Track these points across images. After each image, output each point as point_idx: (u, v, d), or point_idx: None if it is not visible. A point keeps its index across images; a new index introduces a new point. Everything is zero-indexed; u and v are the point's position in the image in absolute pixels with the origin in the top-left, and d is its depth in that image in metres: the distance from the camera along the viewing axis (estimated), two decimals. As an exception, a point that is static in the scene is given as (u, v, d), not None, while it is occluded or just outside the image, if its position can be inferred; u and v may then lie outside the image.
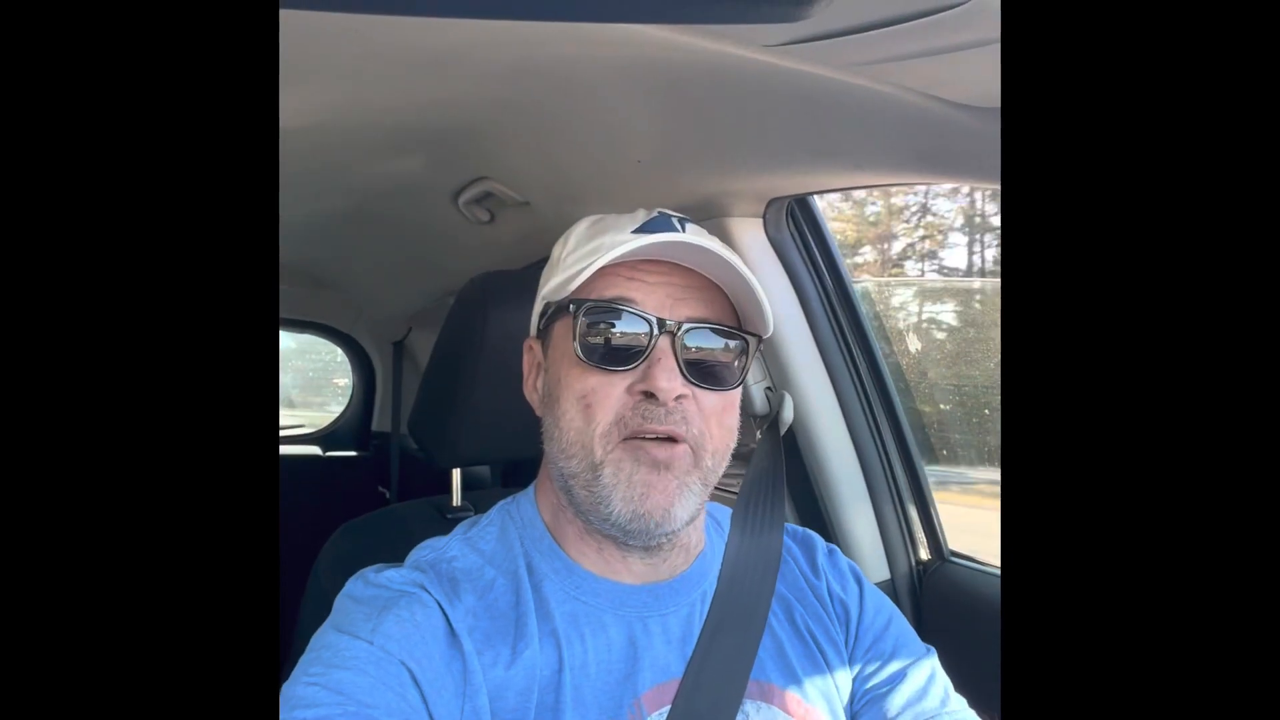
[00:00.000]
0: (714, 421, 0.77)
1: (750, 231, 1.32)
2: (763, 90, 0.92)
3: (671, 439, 0.75)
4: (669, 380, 0.73)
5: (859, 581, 0.91)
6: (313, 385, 3.95)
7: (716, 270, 0.77)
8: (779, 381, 1.37)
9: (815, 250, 1.38)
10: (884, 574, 1.39)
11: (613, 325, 0.75)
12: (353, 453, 3.24)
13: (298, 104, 1.15)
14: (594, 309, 0.75)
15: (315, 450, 3.20)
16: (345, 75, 1.07)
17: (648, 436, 0.74)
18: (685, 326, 0.75)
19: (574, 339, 0.75)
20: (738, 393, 0.81)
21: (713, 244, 0.74)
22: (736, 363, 0.79)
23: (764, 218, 1.32)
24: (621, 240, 0.76)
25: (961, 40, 0.68)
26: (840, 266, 1.39)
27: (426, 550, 0.80)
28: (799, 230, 1.37)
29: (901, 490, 1.40)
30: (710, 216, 1.30)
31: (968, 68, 0.73)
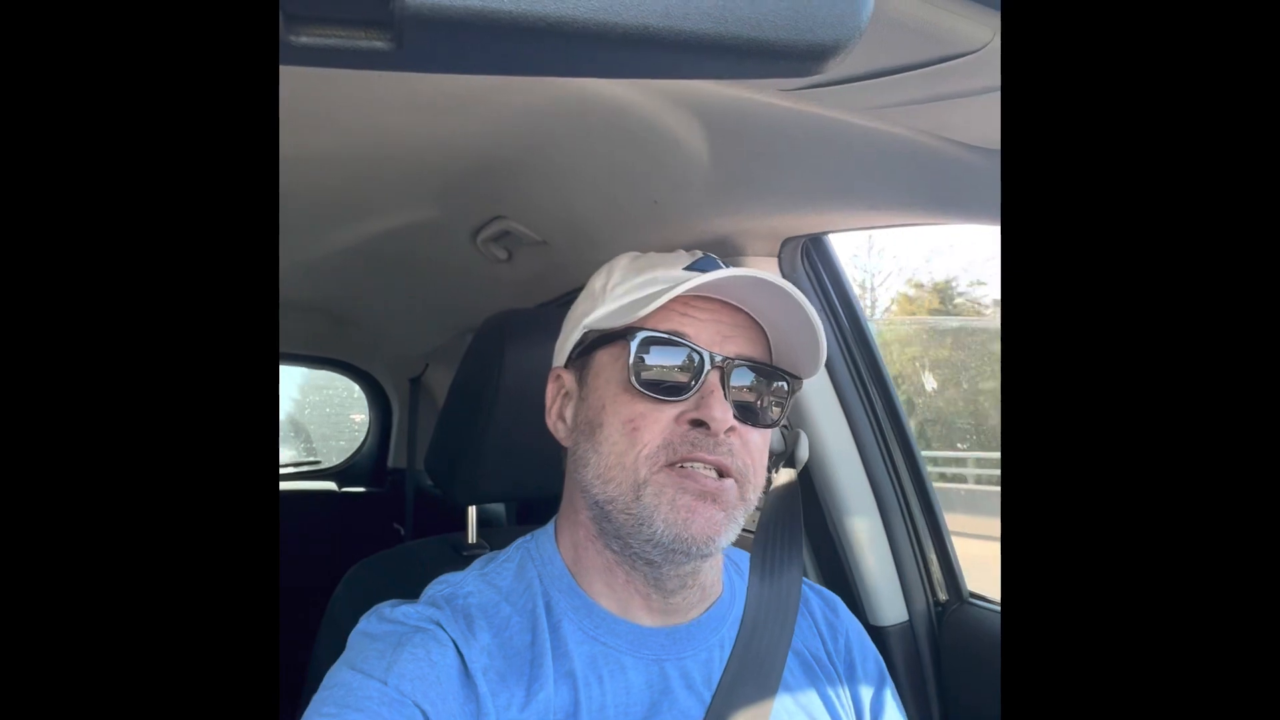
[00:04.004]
0: (756, 457, 0.79)
1: (765, 270, 1.33)
2: (778, 132, 0.93)
3: (720, 472, 0.76)
4: (723, 411, 0.74)
5: (882, 681, 0.91)
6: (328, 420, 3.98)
7: (766, 310, 0.79)
8: (794, 420, 1.37)
9: (830, 289, 1.39)
10: (902, 615, 1.38)
11: (669, 355, 0.77)
12: (369, 489, 3.24)
13: (318, 144, 1.18)
14: (651, 339, 0.77)
15: (331, 486, 3.21)
16: (365, 116, 1.09)
17: (695, 467, 0.75)
18: (735, 363, 0.77)
19: (628, 366, 0.77)
20: (773, 432, 0.83)
21: (780, 280, 0.76)
22: (775, 402, 0.80)
23: (779, 257, 1.33)
24: (678, 276, 0.79)
25: (972, 86, 0.69)
26: (856, 305, 1.40)
27: (442, 585, 0.80)
28: (814, 270, 1.37)
29: (919, 530, 1.39)
30: (725, 256, 1.31)
31: (979, 112, 0.74)
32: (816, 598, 0.95)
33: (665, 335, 0.77)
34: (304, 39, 0.28)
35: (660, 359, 0.77)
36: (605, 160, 1.16)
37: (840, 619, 0.93)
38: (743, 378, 0.78)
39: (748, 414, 0.78)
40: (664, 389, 0.76)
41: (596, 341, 0.82)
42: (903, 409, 1.41)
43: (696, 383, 0.76)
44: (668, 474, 0.75)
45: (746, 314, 0.81)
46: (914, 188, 0.97)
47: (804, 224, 1.23)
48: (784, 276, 1.34)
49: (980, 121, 0.77)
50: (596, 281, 0.87)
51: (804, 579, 0.91)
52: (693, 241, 1.28)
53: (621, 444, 0.76)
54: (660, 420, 0.76)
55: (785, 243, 1.31)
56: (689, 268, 0.82)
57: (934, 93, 0.72)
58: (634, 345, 0.77)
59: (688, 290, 0.75)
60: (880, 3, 0.57)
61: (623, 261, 0.87)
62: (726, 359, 0.77)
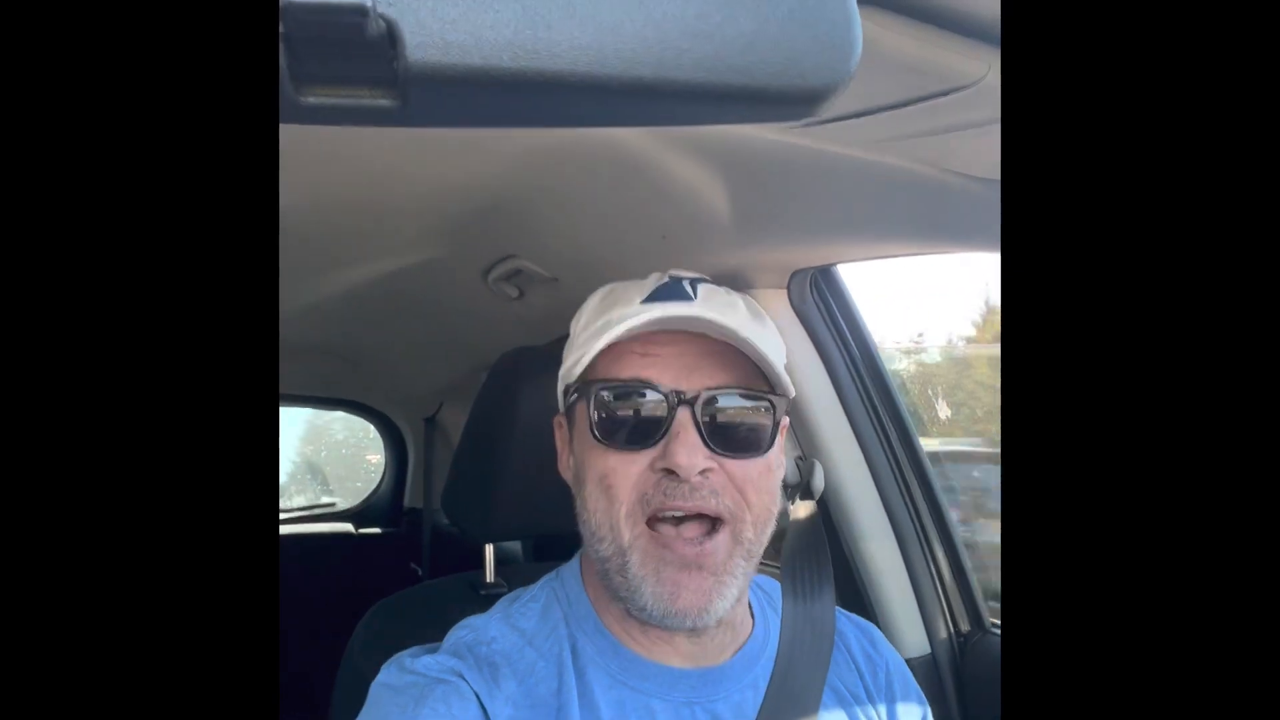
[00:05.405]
0: (750, 489, 0.73)
1: (775, 303, 1.34)
2: (783, 167, 0.94)
3: (707, 522, 0.72)
4: (689, 456, 0.70)
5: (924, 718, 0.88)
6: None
7: (731, 337, 0.73)
8: (808, 451, 1.36)
9: (840, 320, 1.39)
10: (924, 647, 1.36)
11: (628, 404, 0.73)
12: (385, 530, 3.24)
13: (329, 185, 1.20)
14: (605, 389, 0.73)
15: (347, 527, 3.21)
16: (375, 159, 1.11)
17: (673, 517, 0.72)
18: (704, 396, 0.72)
19: (589, 421, 0.74)
20: (774, 456, 0.77)
21: (714, 314, 0.72)
22: (766, 425, 0.75)
23: (788, 289, 1.34)
24: (629, 314, 0.73)
25: (970, 119, 0.70)
26: (866, 335, 1.40)
27: (465, 631, 0.78)
28: (823, 300, 1.38)
29: (938, 559, 1.38)
30: (734, 289, 1.32)
31: (979, 143, 0.75)
32: (853, 630, 0.91)
33: (621, 384, 0.73)
34: (311, 99, 0.29)
35: (622, 408, 0.73)
36: (613, 198, 1.18)
37: (879, 652, 0.90)
38: (718, 408, 0.73)
39: (732, 445, 0.73)
40: (632, 438, 0.72)
41: (572, 393, 0.79)
42: (917, 437, 1.40)
43: (665, 425, 0.72)
44: (650, 538, 0.72)
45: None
46: (919, 219, 0.98)
47: (812, 256, 1.23)
48: (793, 308, 1.35)
49: (980, 152, 0.78)
50: (573, 325, 0.84)
51: (840, 610, 0.88)
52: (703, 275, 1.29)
53: (602, 502, 0.73)
54: (631, 473, 0.72)
55: (794, 275, 1.32)
56: (649, 297, 0.76)
57: (933, 126, 0.73)
58: (591, 399, 0.73)
59: (615, 338, 0.72)
60: (876, 42, 0.58)
61: (593, 301, 0.82)
62: (695, 394, 0.72)
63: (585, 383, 0.75)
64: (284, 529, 3.00)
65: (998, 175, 0.81)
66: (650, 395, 0.72)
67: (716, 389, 0.73)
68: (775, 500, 0.77)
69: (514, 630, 0.77)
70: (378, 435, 3.32)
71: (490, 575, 1.24)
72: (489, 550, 1.23)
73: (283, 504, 3.31)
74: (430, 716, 0.68)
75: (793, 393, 0.76)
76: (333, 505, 3.41)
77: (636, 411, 0.73)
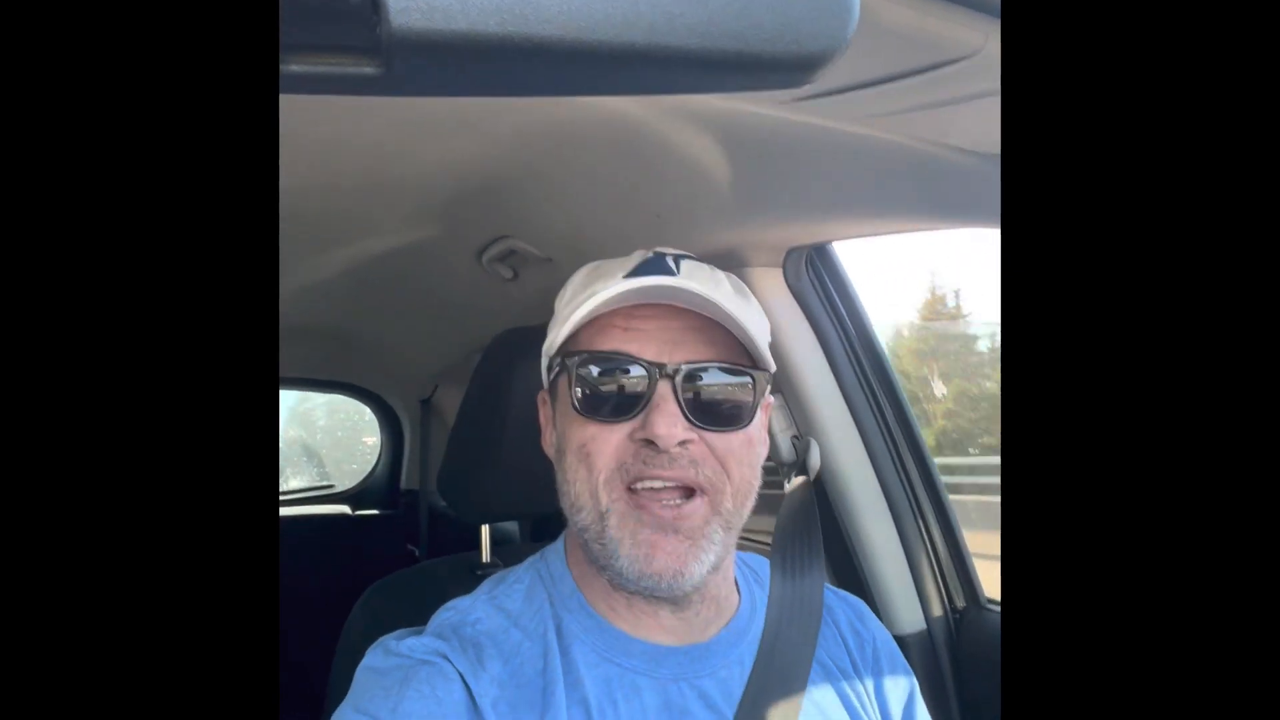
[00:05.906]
0: (731, 461, 0.74)
1: (770, 281, 1.33)
2: (777, 143, 0.94)
3: (686, 490, 0.73)
4: (669, 426, 0.71)
5: (912, 694, 0.88)
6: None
7: (711, 309, 0.74)
8: (804, 429, 1.36)
9: (836, 297, 1.38)
10: (919, 623, 1.37)
11: (610, 376, 0.74)
12: (382, 511, 3.25)
13: (322, 165, 1.19)
14: (587, 361, 0.74)
15: (345, 509, 3.21)
16: (368, 137, 1.10)
17: (654, 485, 0.72)
18: (686, 369, 0.73)
19: (571, 393, 0.75)
20: (755, 430, 0.78)
21: (692, 284, 0.72)
22: (747, 400, 0.76)
23: (783, 267, 1.33)
24: (612, 287, 0.74)
25: (967, 91, 0.69)
26: (862, 312, 1.40)
27: (450, 613, 0.78)
28: (819, 278, 1.37)
29: (933, 536, 1.38)
30: (730, 268, 1.31)
31: (974, 116, 0.74)
32: (841, 605, 0.91)
33: (603, 355, 0.74)
34: (294, 67, 0.28)
35: (603, 380, 0.74)
36: (608, 176, 1.17)
37: (867, 627, 0.90)
38: (700, 381, 0.74)
39: (712, 418, 0.73)
40: (612, 410, 0.73)
41: (556, 367, 0.80)
42: (913, 415, 1.40)
43: (645, 397, 0.72)
44: (628, 501, 0.72)
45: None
46: (914, 194, 0.97)
47: (807, 233, 1.23)
48: (789, 286, 1.35)
49: (976, 126, 0.77)
50: (557, 302, 0.85)
51: (828, 585, 0.89)
52: (696, 253, 1.28)
53: (581, 471, 0.74)
54: (611, 441, 0.73)
55: (789, 253, 1.31)
56: (632, 272, 0.76)
57: (929, 99, 0.72)
58: (573, 372, 0.75)
59: (594, 311, 0.73)
60: (872, 12, 0.57)
61: (577, 277, 0.83)
62: (676, 367, 0.72)
63: (567, 355, 0.76)
64: (282, 510, 3.01)
65: (997, 149, 0.80)
66: (631, 368, 0.73)
67: (697, 363, 0.74)
68: (756, 474, 0.78)
69: (499, 611, 0.78)
70: (373, 418, 3.32)
71: (486, 556, 1.24)
72: (485, 531, 1.23)
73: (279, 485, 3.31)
74: (415, 698, 0.68)
75: (774, 368, 0.77)
76: (330, 487, 3.42)
77: (618, 384, 0.74)
